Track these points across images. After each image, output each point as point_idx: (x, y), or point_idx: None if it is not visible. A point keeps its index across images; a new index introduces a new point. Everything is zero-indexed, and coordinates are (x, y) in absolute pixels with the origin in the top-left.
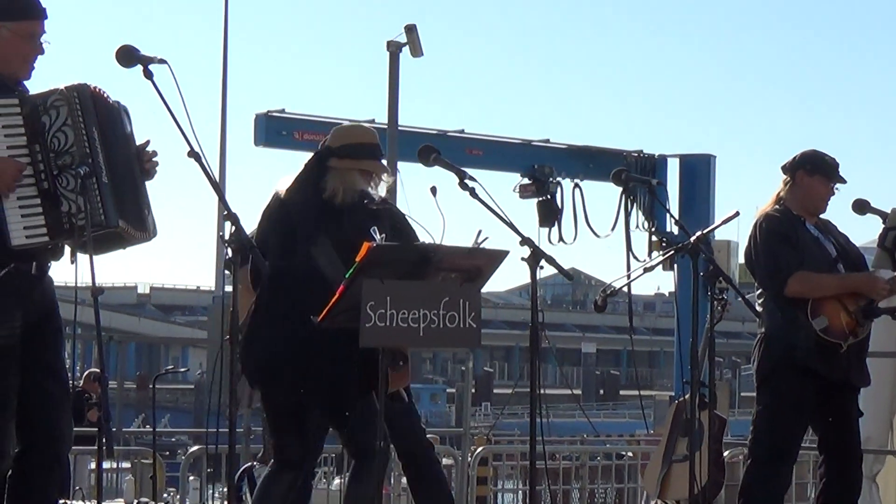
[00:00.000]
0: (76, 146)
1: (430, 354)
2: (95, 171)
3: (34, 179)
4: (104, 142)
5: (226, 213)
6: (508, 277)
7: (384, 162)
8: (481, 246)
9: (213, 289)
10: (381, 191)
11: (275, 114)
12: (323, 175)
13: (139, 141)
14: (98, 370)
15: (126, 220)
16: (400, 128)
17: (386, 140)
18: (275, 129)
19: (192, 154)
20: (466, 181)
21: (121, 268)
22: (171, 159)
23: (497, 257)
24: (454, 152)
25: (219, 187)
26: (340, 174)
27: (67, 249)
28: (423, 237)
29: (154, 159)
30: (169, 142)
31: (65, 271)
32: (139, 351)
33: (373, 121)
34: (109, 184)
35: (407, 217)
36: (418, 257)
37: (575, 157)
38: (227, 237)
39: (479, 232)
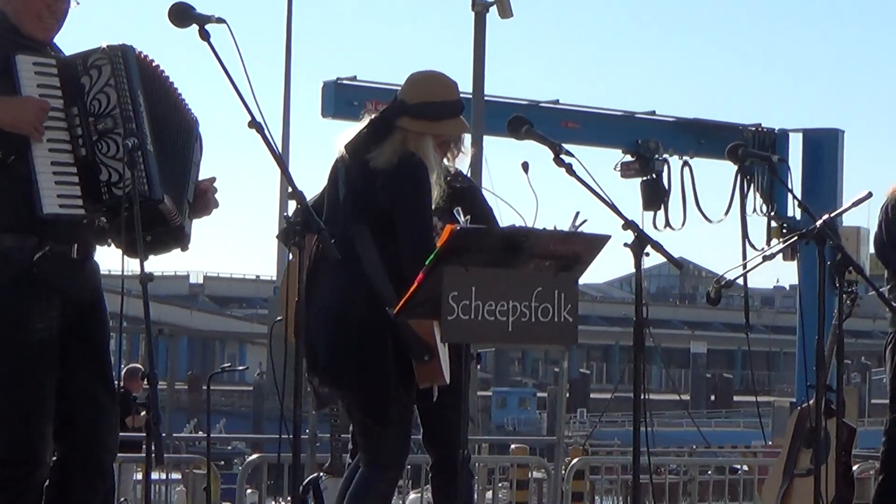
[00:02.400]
0: (118, 108)
1: (518, 353)
2: (139, 139)
3: (70, 146)
4: (150, 107)
5: (290, 190)
6: (608, 267)
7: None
8: (579, 230)
9: (273, 278)
10: (463, 163)
11: (345, 81)
12: (389, 135)
13: (204, 174)
14: (139, 365)
15: (171, 197)
16: (487, 98)
17: (470, 111)
18: (345, 99)
19: (254, 124)
20: (562, 156)
21: (171, 255)
22: (229, 131)
23: (597, 243)
24: (548, 125)
25: (282, 162)
26: (410, 139)
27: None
28: (514, 220)
29: (215, 195)
30: (227, 112)
31: (109, 257)
32: (191, 347)
33: None
34: (154, 154)
35: (489, 195)
36: (508, 242)
37: (684, 132)
38: (291, 218)
39: (577, 214)
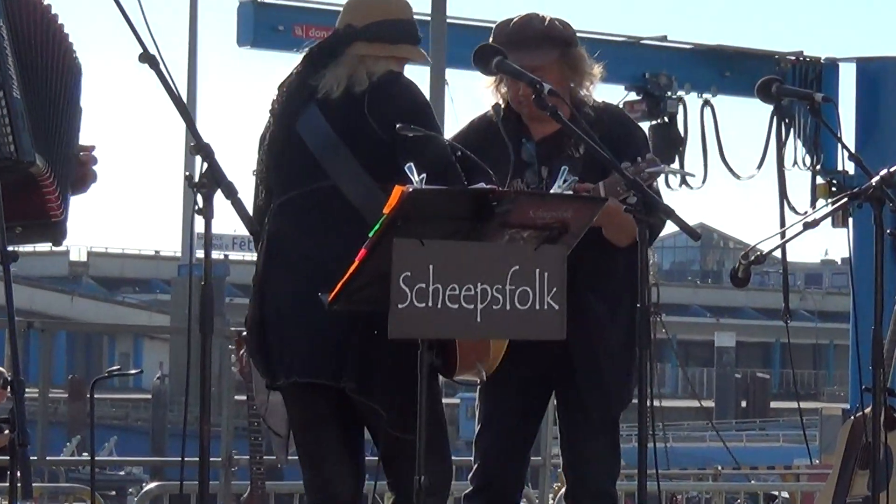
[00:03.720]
0: None
1: None
2: (2, 79)
3: None
4: (16, 43)
5: (194, 143)
6: None
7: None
8: (567, 191)
9: (177, 254)
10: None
11: (267, 0)
12: (336, 62)
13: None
14: (0, 369)
15: (48, 158)
16: (449, 20)
17: (428, 37)
18: (267, 23)
19: (146, 58)
20: (545, 96)
21: None
22: (118, 69)
23: (590, 207)
24: None
25: (184, 106)
26: (368, 63)
27: None
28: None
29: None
30: (115, 44)
31: None
32: (72, 344)
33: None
34: (23, 102)
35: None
36: (475, 206)
37: (704, 63)
38: (196, 179)
39: (564, 170)
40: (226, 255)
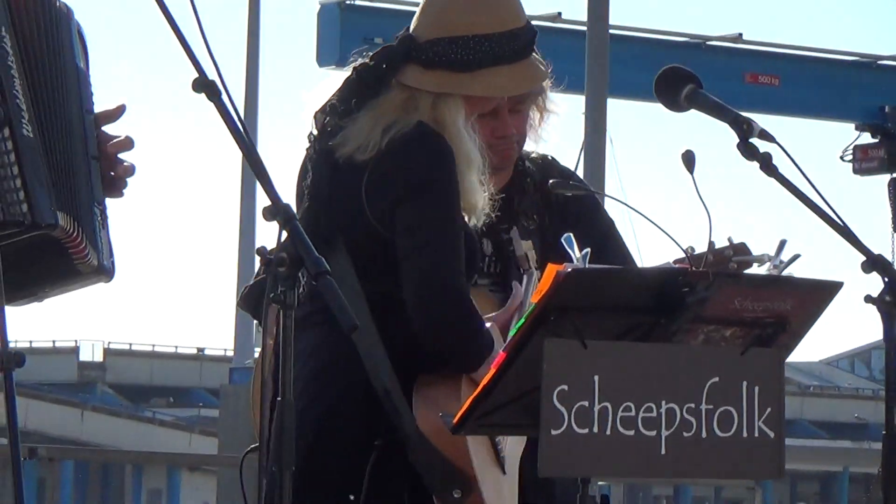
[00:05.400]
0: None
1: (669, 490)
2: (9, 117)
3: None
4: (28, 63)
5: (269, 205)
6: (830, 336)
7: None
8: (786, 272)
9: (228, 353)
10: (545, 137)
11: (357, 2)
12: (376, 96)
13: (100, 106)
14: None
15: (72, 213)
16: (613, 30)
17: (585, 54)
18: (357, 32)
19: (203, 85)
20: (754, 140)
21: (50, 313)
22: (157, 105)
23: (819, 296)
24: (724, 79)
25: (256, 154)
26: (419, 104)
27: None
28: (658, 256)
29: (126, 161)
30: (159, 72)
31: None
32: (81, 476)
33: (558, 16)
34: (38, 142)
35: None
36: (659, 293)
37: None
38: (267, 252)
39: (783, 243)
40: None
